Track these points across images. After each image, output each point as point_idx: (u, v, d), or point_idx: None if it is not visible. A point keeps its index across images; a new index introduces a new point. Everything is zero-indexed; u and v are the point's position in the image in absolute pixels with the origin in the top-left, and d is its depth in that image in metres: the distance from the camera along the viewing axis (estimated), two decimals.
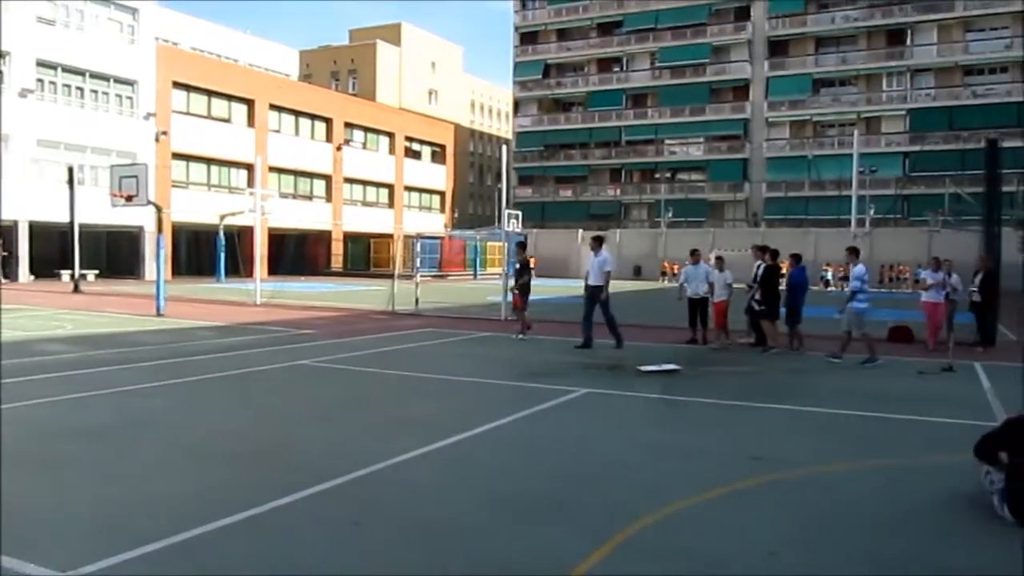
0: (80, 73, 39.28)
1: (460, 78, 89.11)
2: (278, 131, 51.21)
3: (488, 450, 7.23)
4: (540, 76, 74.00)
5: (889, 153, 59.86)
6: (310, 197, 54.47)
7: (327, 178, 55.24)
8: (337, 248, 56.35)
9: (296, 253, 54.81)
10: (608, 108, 70.72)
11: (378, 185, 60.81)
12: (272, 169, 48.19)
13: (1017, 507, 5.19)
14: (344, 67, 76.05)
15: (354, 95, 68.45)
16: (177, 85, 44.23)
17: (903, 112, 61.16)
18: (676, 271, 47.12)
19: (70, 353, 12.92)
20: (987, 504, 5.45)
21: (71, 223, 32.49)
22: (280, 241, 51.28)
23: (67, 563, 4.21)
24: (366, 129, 59.37)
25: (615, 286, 16.17)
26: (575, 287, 15.76)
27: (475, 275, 53.70)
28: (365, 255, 57.58)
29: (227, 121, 47.82)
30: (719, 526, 5.19)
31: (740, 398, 9.93)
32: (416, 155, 64.74)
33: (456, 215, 71.31)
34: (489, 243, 56.67)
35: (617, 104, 70.75)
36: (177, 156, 44.01)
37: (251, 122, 48.89)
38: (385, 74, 75.29)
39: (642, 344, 15.50)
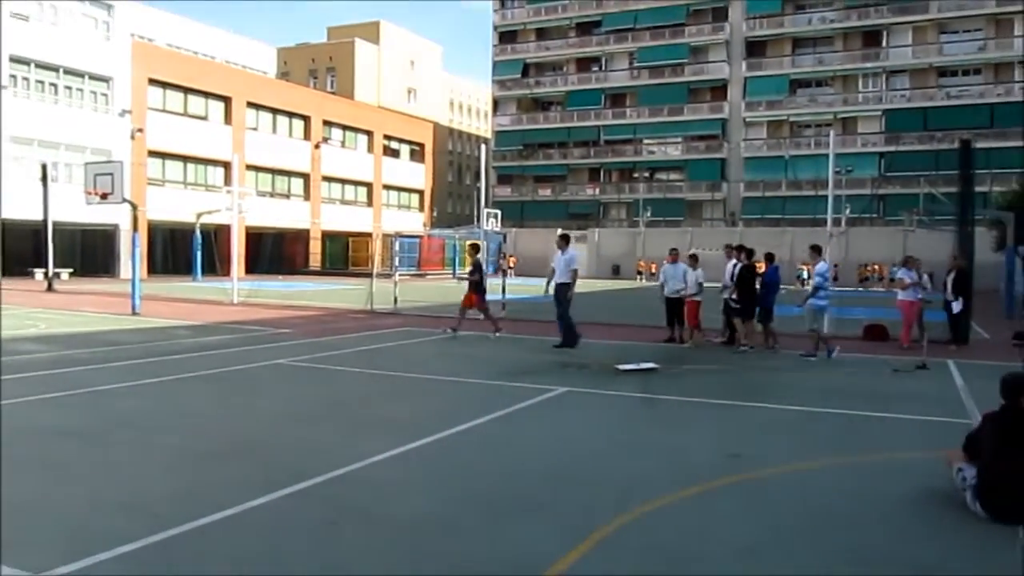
0: (54, 69, 38.82)
1: (439, 77, 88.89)
2: (255, 129, 50.91)
3: (466, 449, 7.23)
4: (519, 75, 74.04)
5: (865, 153, 60.45)
6: (288, 195, 54.19)
7: (305, 176, 54.98)
8: (315, 247, 56.11)
9: (274, 252, 54.53)
10: (587, 107, 70.90)
11: (357, 184, 60.61)
12: (249, 167, 47.89)
13: (988, 503, 5.26)
14: (322, 65, 75.64)
15: (332, 93, 68.11)
16: (153, 82, 43.83)
17: (879, 113, 61.79)
18: (654, 270, 47.35)
19: (45, 353, 12.77)
20: (960, 500, 5.52)
21: (44, 221, 32.10)
22: (258, 240, 50.96)
23: (41, 564, 4.17)
24: (344, 127, 59.15)
25: (593, 285, 16.24)
26: (555, 286, 15.76)
27: (454, 274, 53.61)
28: (344, 254, 57.36)
29: (204, 119, 47.47)
30: (696, 524, 5.22)
31: (717, 396, 9.99)
32: (395, 153, 64.58)
33: (435, 214, 71.18)
34: (468, 242, 56.56)
35: (596, 104, 70.94)
36: (153, 154, 43.65)
37: (228, 120, 48.57)
38: (364, 72, 74.97)
39: (620, 343, 15.56)
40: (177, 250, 47.86)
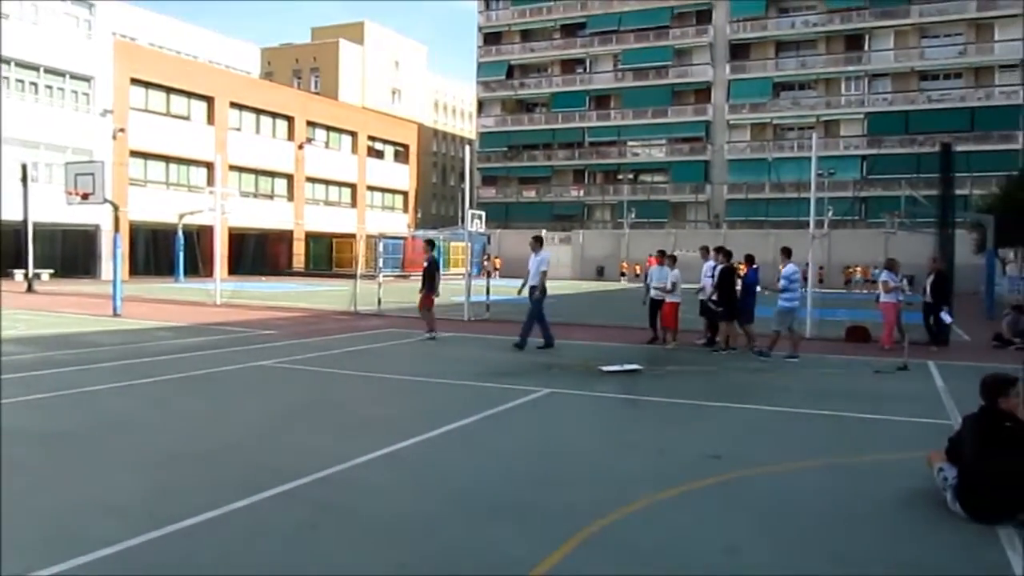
0: (34, 68, 38.44)
1: (424, 78, 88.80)
2: (239, 129, 50.63)
3: (450, 451, 7.23)
4: (504, 77, 74.03)
5: (847, 156, 60.80)
6: (271, 196, 53.93)
7: (289, 177, 54.73)
8: (299, 248, 55.85)
9: (257, 253, 54.24)
10: (571, 109, 70.99)
11: (341, 184, 60.40)
12: (232, 168, 47.61)
13: (967, 503, 5.31)
14: (306, 65, 75.39)
15: (316, 93, 67.88)
16: (135, 82, 43.49)
17: (861, 116, 62.23)
18: (638, 271, 47.45)
19: (25, 354, 12.64)
20: (941, 500, 5.57)
21: (24, 221, 31.78)
22: (240, 240, 50.69)
23: (24, 567, 4.14)
24: (328, 128, 58.93)
25: (578, 286, 16.26)
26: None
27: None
28: (327, 255, 57.14)
29: (186, 119, 47.16)
30: (678, 524, 5.24)
31: (700, 397, 10.03)
32: (379, 154, 64.40)
33: (419, 215, 71.05)
34: (452, 243, 56.53)
35: (580, 105, 71.05)
36: (135, 154, 43.30)
37: (211, 120, 48.27)
38: (348, 73, 74.79)
39: (603, 344, 15.59)
40: (159, 251, 47.49)
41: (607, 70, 70.52)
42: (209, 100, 48.22)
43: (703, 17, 66.50)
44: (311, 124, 56.75)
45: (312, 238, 56.59)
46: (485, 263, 30.25)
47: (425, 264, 16.80)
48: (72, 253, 43.70)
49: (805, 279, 17.19)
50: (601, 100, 70.98)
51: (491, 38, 74.97)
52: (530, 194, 73.00)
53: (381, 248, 27.87)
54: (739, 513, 5.47)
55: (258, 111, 52.40)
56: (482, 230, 24.91)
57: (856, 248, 48.32)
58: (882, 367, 12.79)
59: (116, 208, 22.35)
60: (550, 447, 7.40)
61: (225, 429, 7.95)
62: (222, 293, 25.08)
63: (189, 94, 47.16)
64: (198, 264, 39.45)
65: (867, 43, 62.03)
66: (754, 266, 15.85)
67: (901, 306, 15.77)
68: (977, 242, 34.79)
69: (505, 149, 73.62)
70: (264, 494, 5.53)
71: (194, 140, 46.33)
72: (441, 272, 16.97)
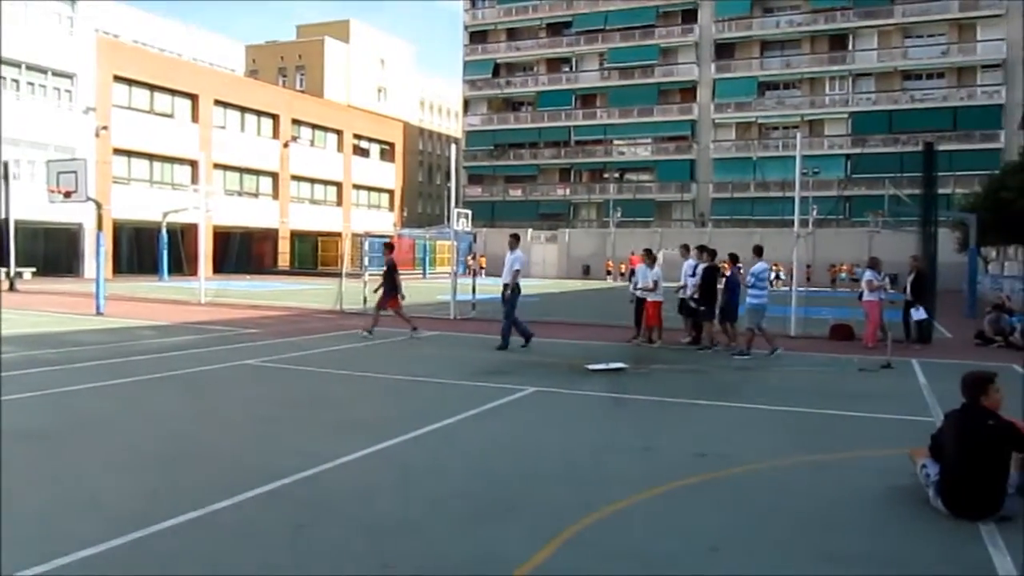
0: (15, 65, 38.07)
1: (410, 76, 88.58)
2: (223, 127, 50.35)
3: (435, 450, 7.21)
4: (490, 75, 73.97)
5: (831, 155, 61.12)
6: (256, 194, 53.71)
7: (274, 175, 54.51)
8: (284, 246, 55.66)
9: (241, 251, 53.96)
10: (557, 108, 71.03)
11: (326, 183, 60.21)
12: (217, 166, 47.33)
13: (949, 499, 5.36)
14: (291, 63, 75.05)
15: (301, 92, 67.59)
16: (118, 79, 43.18)
17: (845, 115, 62.56)
18: (624, 270, 47.53)
19: (7, 353, 12.52)
20: (923, 497, 5.61)
21: (6, 219, 31.48)
22: (225, 239, 50.42)
23: (7, 567, 4.11)
24: (314, 126, 58.72)
25: (564, 285, 16.29)
26: (525, 286, 15.90)
27: (424, 274, 53.48)
28: (313, 254, 56.98)
29: (170, 116, 46.85)
30: (663, 523, 5.26)
31: (685, 396, 10.07)
32: (365, 153, 64.25)
33: (405, 214, 70.91)
34: (438, 242, 56.53)
35: (566, 104, 71.10)
36: (118, 152, 42.98)
37: (195, 118, 47.97)
38: (333, 71, 74.49)
39: (589, 342, 15.62)
40: (143, 249, 47.15)
41: (593, 69, 70.59)
42: (193, 98, 47.92)
43: (688, 16, 66.66)
44: (296, 122, 56.52)
45: (297, 237, 56.42)
46: (471, 262, 30.21)
47: (384, 267, 16.79)
48: (55, 251, 43.35)
49: (789, 277, 17.30)
50: (587, 99, 71.04)
51: (477, 37, 74.88)
52: (516, 193, 73.00)
53: (367, 247, 27.72)
54: (723, 512, 5.49)
55: (243, 109, 52.13)
56: (468, 229, 24.91)
57: (840, 247, 48.54)
58: (866, 365, 12.87)
59: (99, 206, 22.20)
60: (535, 446, 7.40)
61: (209, 428, 7.92)
62: (206, 292, 24.95)
63: (173, 92, 46.84)
64: (182, 263, 39.24)
65: (851, 43, 62.37)
66: (738, 265, 15.93)
67: (884, 304, 15.88)
68: (960, 241, 35.09)
69: (491, 148, 73.56)
70: (249, 494, 5.51)
71: (178, 138, 46.03)
72: (400, 273, 16.95)
